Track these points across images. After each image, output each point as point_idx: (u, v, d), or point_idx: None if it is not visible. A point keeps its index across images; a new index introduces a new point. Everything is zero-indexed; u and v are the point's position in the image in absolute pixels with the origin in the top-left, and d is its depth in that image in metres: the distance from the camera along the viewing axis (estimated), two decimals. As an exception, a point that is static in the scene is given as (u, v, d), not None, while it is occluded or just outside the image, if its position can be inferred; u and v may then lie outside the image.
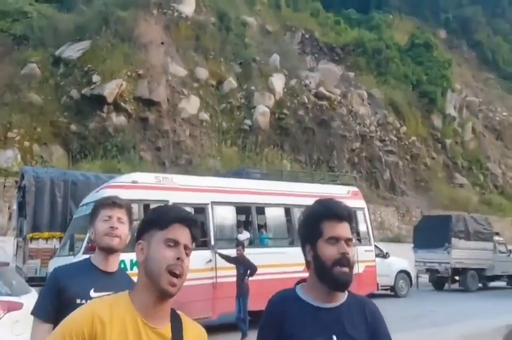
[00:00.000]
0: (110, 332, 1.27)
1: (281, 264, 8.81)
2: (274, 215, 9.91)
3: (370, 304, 1.62)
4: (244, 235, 9.53)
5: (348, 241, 1.54)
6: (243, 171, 11.64)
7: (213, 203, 8.98)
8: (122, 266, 7.66)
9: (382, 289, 12.75)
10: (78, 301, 1.95)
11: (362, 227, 11.05)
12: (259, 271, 7.95)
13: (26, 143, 18.27)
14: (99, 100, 19.47)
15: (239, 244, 8.29)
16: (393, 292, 13.50)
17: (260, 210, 9.88)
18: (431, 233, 14.52)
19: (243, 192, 9.49)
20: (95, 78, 19.91)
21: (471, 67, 41.21)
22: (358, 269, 10.16)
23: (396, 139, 26.69)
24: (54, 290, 2.00)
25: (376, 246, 13.10)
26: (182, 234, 1.35)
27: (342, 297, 1.57)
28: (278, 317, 1.56)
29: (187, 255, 1.35)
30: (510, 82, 41.72)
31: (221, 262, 8.28)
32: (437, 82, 30.91)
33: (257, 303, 6.94)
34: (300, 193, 10.07)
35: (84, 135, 19.04)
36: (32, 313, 1.99)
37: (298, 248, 1.70)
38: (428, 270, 15.21)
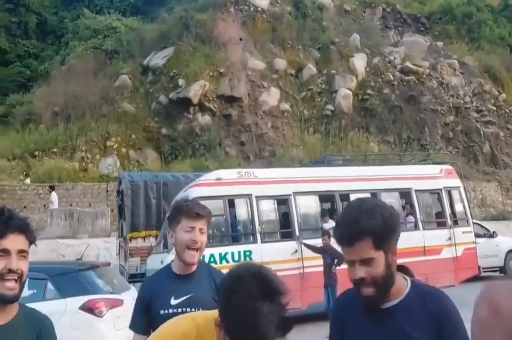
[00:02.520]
0: None
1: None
2: (360, 202, 9.66)
3: (435, 296, 1.48)
4: (330, 224, 9.35)
5: (364, 261, 1.44)
6: (324, 159, 11.54)
7: (295, 193, 9.03)
8: (212, 260, 8.03)
9: (491, 271, 11.95)
10: (161, 312, 2.09)
11: (458, 207, 10.33)
12: (346, 259, 7.86)
13: (123, 150, 19.53)
14: (185, 103, 20.24)
15: (325, 233, 8.16)
16: (503, 273, 12.53)
17: (345, 197, 9.64)
18: None
19: (324, 180, 9.37)
20: (181, 82, 20.68)
21: None
22: (456, 252, 9.62)
23: (494, 108, 24.25)
24: (144, 304, 2.16)
25: (481, 225, 12.33)
26: None
27: (399, 294, 1.49)
28: (339, 320, 1.60)
29: None
30: None
31: (307, 252, 8.29)
32: (538, 42, 27.74)
33: (345, 291, 6.87)
34: (387, 177, 9.69)
35: (173, 137, 19.92)
36: (130, 327, 2.18)
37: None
38: None
